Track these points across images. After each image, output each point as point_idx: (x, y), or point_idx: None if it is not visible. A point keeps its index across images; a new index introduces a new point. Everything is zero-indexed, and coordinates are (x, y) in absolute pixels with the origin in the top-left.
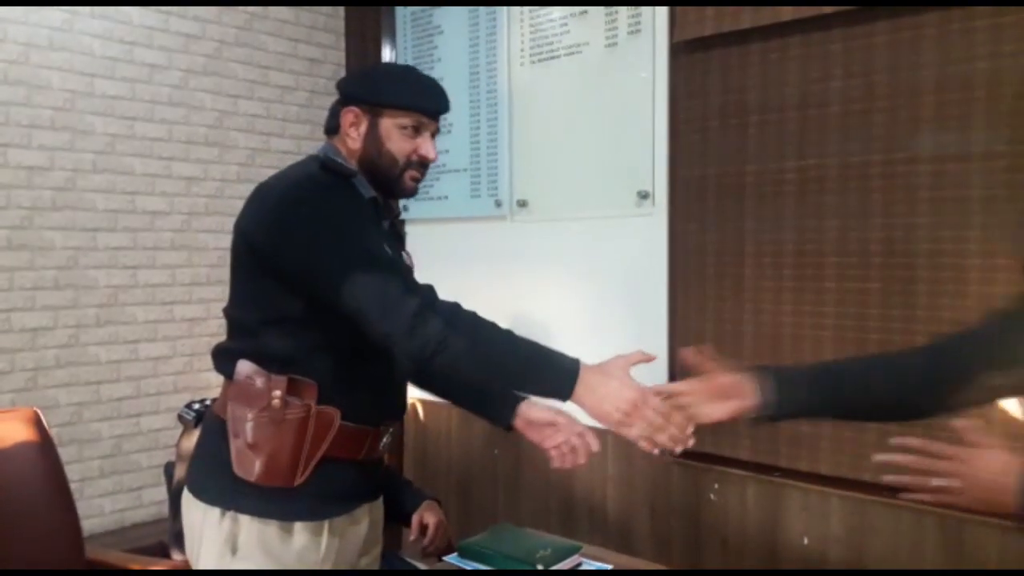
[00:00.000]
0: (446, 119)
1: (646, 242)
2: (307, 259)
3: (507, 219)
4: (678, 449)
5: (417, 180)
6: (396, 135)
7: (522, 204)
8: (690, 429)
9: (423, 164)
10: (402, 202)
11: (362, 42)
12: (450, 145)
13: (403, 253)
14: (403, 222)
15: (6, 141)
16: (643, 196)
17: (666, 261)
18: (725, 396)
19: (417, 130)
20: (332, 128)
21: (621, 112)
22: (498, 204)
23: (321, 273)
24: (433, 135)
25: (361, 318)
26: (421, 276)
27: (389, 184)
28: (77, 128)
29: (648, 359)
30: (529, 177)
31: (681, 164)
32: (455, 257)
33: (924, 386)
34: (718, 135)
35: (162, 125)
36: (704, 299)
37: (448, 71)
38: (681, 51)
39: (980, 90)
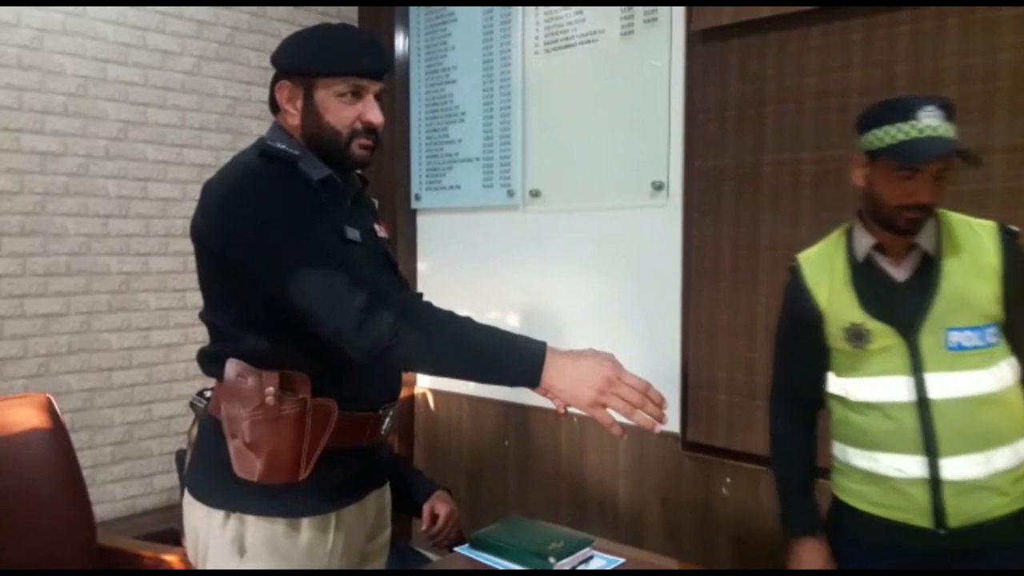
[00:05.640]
0: (459, 107)
1: (660, 233)
2: (252, 260)
3: (520, 209)
4: (656, 428)
5: (368, 147)
6: (334, 104)
7: (535, 194)
8: (666, 405)
9: (370, 130)
10: (414, 191)
11: (375, 28)
12: (463, 134)
13: (375, 227)
14: (372, 200)
15: (20, 127)
16: (657, 187)
17: (680, 253)
18: None
19: (357, 95)
20: (274, 105)
21: (636, 101)
22: (511, 194)
23: (266, 274)
24: (378, 97)
25: (309, 317)
26: (432, 266)
27: (336, 158)
28: (90, 114)
29: None
30: (542, 167)
31: (697, 155)
32: (467, 247)
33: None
34: (735, 125)
35: (175, 112)
36: (718, 291)
37: (462, 59)
38: (698, 40)
39: (1003, 81)
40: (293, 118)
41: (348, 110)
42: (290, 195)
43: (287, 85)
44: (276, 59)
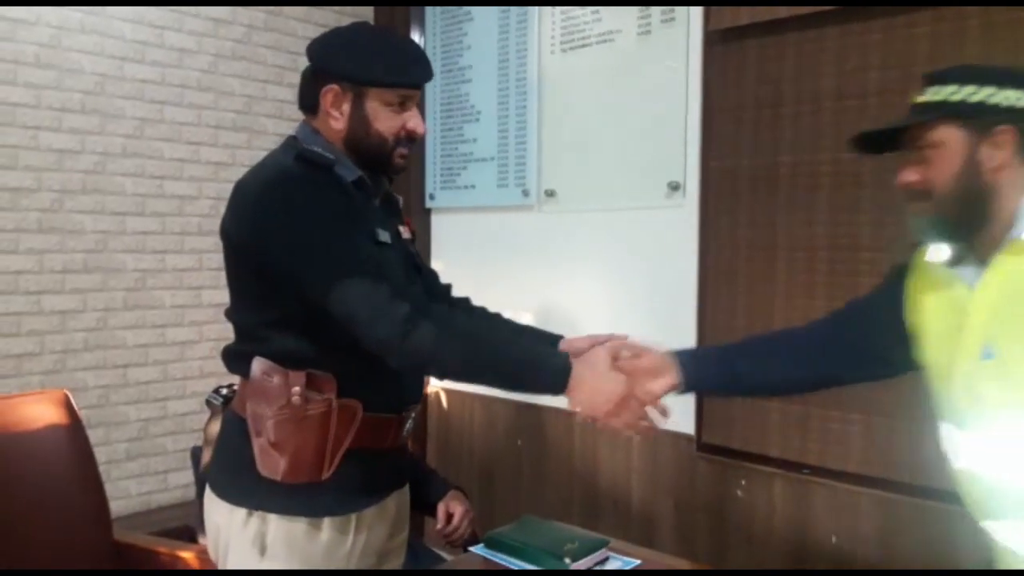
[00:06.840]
0: (474, 107)
1: (676, 234)
2: (291, 265)
3: (535, 209)
4: (660, 425)
5: (405, 156)
6: (383, 113)
7: (550, 194)
8: (668, 414)
9: (411, 139)
10: (428, 190)
11: (391, 26)
12: (478, 134)
13: (400, 228)
14: (397, 198)
15: (37, 124)
16: (674, 187)
17: (696, 254)
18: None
19: (403, 104)
20: (310, 106)
21: (653, 102)
22: (526, 194)
23: (306, 280)
24: (417, 105)
25: (351, 324)
26: (446, 266)
27: (379, 164)
28: (107, 112)
29: (620, 344)
30: (557, 167)
31: (713, 155)
32: (481, 247)
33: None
34: (752, 126)
35: (191, 110)
36: (734, 293)
37: (477, 59)
38: (715, 40)
39: None
40: (337, 122)
41: (395, 119)
42: (329, 200)
43: (335, 89)
44: (324, 61)
